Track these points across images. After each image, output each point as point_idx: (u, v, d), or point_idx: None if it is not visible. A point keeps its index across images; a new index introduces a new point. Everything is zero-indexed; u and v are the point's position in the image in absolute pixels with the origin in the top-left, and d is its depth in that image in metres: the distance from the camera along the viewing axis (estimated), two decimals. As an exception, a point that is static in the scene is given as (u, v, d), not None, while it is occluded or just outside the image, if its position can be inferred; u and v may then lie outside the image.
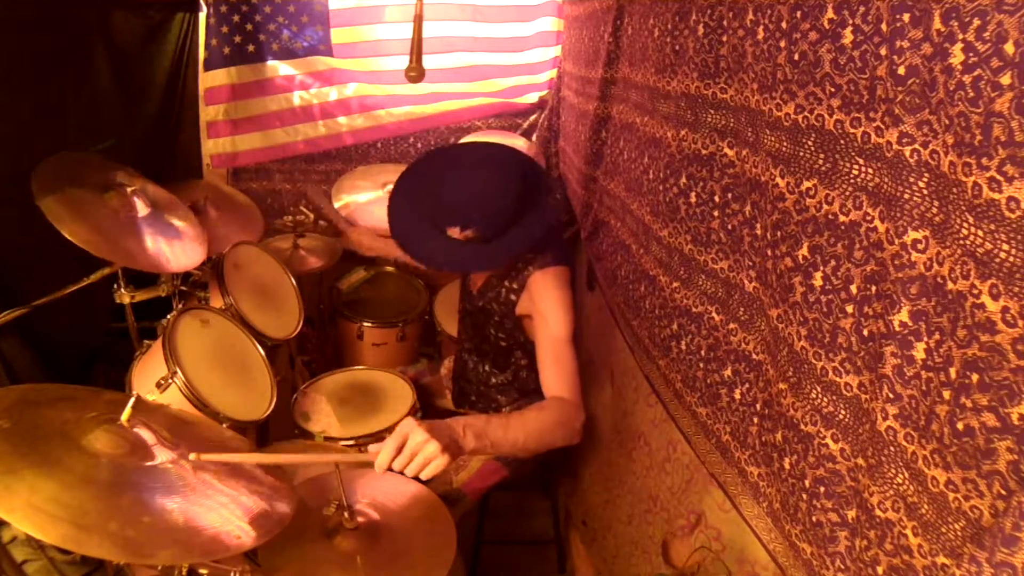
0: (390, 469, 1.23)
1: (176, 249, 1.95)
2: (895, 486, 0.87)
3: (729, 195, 1.35)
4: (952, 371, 0.78)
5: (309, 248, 2.88)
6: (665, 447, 1.69)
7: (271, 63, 3.14)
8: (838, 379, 1.01)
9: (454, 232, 1.54)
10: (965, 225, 0.74)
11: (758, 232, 1.24)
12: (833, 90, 0.98)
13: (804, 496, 1.09)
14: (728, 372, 1.37)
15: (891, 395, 0.87)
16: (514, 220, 1.57)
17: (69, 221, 1.65)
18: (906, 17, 0.83)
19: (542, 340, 1.62)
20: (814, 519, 1.07)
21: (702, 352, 1.48)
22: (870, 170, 0.92)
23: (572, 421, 1.49)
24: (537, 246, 1.67)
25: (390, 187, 2.87)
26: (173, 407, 1.49)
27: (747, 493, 1.30)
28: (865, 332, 0.94)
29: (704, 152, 1.44)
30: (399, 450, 1.21)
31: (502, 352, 1.87)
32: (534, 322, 1.71)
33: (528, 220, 1.59)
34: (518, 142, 3.37)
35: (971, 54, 0.72)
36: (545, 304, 1.63)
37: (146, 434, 1.18)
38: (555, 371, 1.56)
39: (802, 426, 1.10)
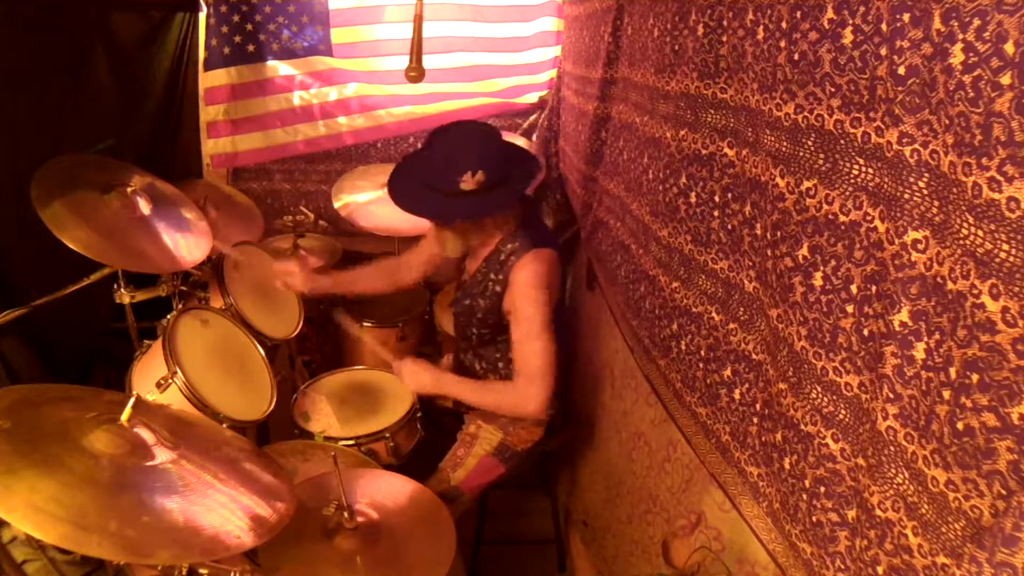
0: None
1: (190, 241, 1.97)
2: (895, 486, 0.87)
3: (729, 195, 1.35)
4: (952, 371, 0.78)
5: (309, 248, 2.88)
6: (665, 447, 1.69)
7: (271, 63, 3.13)
8: (838, 379, 1.01)
9: (466, 180, 1.61)
10: (965, 225, 0.74)
11: (758, 232, 1.24)
12: (833, 90, 0.98)
13: (804, 496, 1.09)
14: (728, 372, 1.37)
15: (891, 395, 0.87)
16: (506, 173, 1.69)
17: (72, 227, 1.65)
18: (906, 17, 0.83)
19: (515, 329, 1.75)
20: (814, 519, 1.07)
21: (702, 352, 1.48)
22: (870, 170, 0.92)
23: (520, 405, 1.75)
24: (516, 235, 1.76)
25: (390, 187, 2.91)
26: (173, 407, 1.48)
27: (747, 493, 1.30)
28: (865, 332, 0.94)
29: (704, 152, 1.44)
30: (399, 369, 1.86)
31: (484, 347, 1.89)
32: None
33: (514, 176, 1.72)
34: (518, 142, 3.36)
35: (971, 54, 0.72)
36: (519, 299, 1.72)
37: (146, 434, 1.18)
38: (520, 357, 1.75)
39: (802, 426, 1.10)
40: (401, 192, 1.76)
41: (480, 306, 1.82)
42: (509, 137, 3.39)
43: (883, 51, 0.87)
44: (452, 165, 1.63)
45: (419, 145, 3.41)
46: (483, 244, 1.82)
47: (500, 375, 1.91)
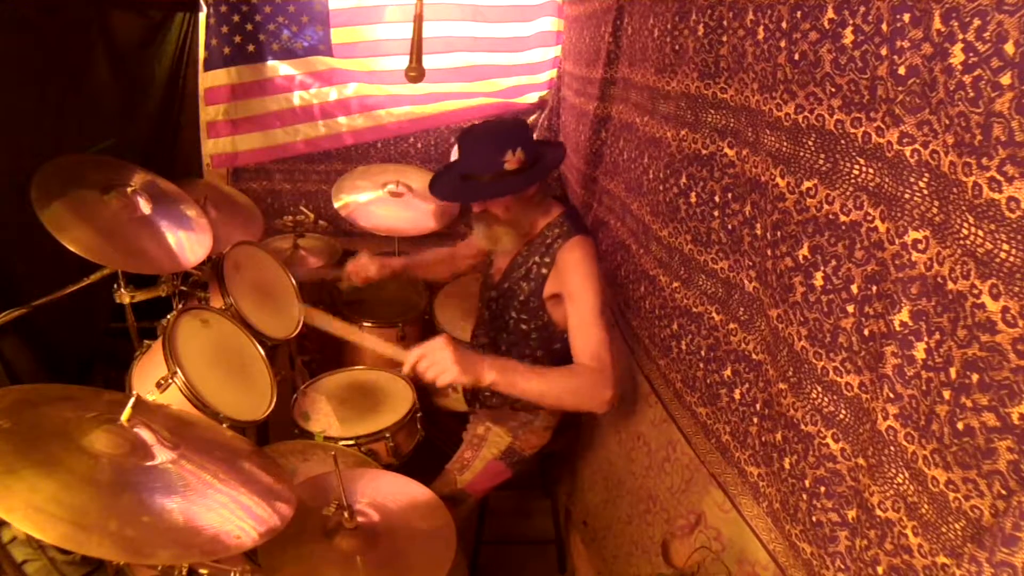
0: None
1: (192, 239, 1.97)
2: (895, 486, 0.87)
3: (729, 195, 1.35)
4: (952, 371, 0.78)
5: (309, 248, 2.88)
6: (665, 447, 1.69)
7: (271, 63, 3.13)
8: (838, 379, 1.01)
9: (509, 159, 1.66)
10: (965, 225, 0.74)
11: (758, 232, 1.24)
12: (833, 90, 0.98)
13: (804, 496, 1.09)
14: (728, 372, 1.37)
15: (891, 395, 0.87)
16: (539, 152, 1.74)
17: (71, 228, 1.65)
18: (906, 17, 0.83)
19: (572, 315, 1.68)
20: (814, 519, 1.07)
21: (702, 352, 1.48)
22: (870, 170, 0.92)
23: (595, 389, 1.56)
24: (563, 221, 1.77)
25: (390, 187, 2.91)
26: (173, 407, 1.48)
27: (747, 493, 1.30)
28: (866, 332, 0.94)
29: (704, 152, 1.44)
30: (424, 357, 1.47)
31: (521, 337, 1.87)
32: (563, 301, 1.74)
33: (545, 154, 1.76)
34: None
35: (971, 54, 0.72)
36: (573, 281, 1.69)
37: (146, 434, 1.18)
38: (583, 343, 1.63)
39: (802, 426, 1.10)
40: (449, 192, 1.82)
41: (523, 288, 1.81)
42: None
43: (883, 51, 0.87)
44: (492, 150, 1.67)
45: (419, 145, 3.44)
46: (529, 231, 1.82)
47: None
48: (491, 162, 1.66)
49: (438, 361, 1.45)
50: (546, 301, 1.79)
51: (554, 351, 1.86)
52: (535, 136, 3.42)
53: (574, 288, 1.68)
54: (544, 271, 1.77)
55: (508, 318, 1.87)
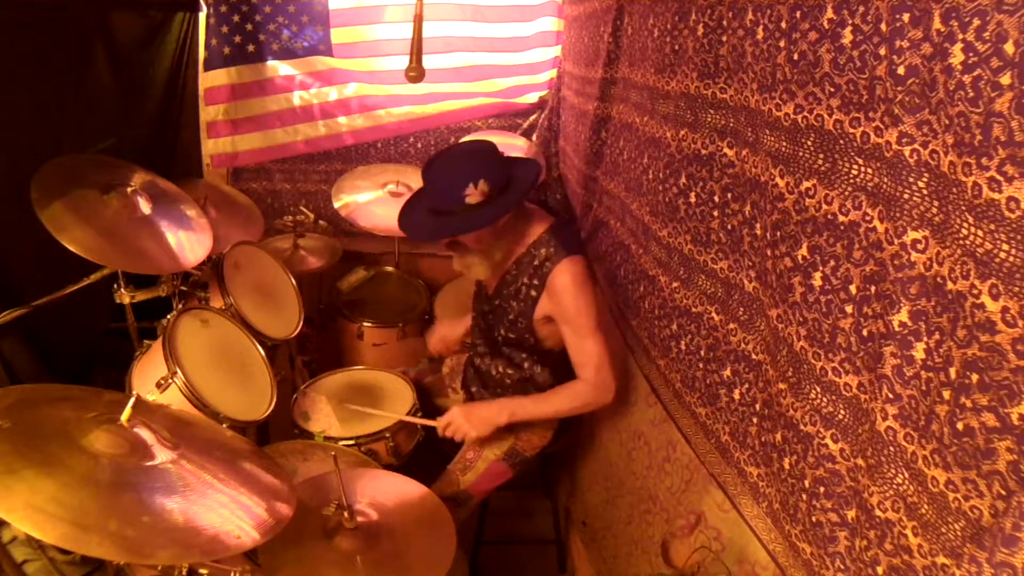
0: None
1: (192, 239, 1.97)
2: (895, 486, 0.87)
3: (729, 195, 1.35)
4: (952, 371, 0.78)
5: (309, 248, 2.88)
6: (665, 447, 1.69)
7: (271, 63, 3.13)
8: (838, 379, 1.01)
9: (471, 193, 1.62)
10: (965, 225, 0.74)
11: (758, 232, 1.24)
12: (832, 90, 0.98)
13: (804, 496, 1.09)
14: (728, 372, 1.37)
15: (891, 395, 0.87)
16: (508, 177, 1.70)
17: (71, 228, 1.65)
18: (906, 17, 0.83)
19: (569, 335, 1.77)
20: (814, 519, 1.07)
21: (702, 352, 1.49)
22: (869, 170, 0.92)
23: (599, 399, 1.80)
24: (550, 239, 1.75)
25: (390, 187, 2.91)
26: (173, 407, 1.48)
27: (747, 493, 1.30)
28: (864, 332, 0.94)
29: (704, 152, 1.44)
30: (448, 426, 1.83)
31: (513, 347, 1.88)
32: (557, 324, 1.77)
33: (517, 177, 1.73)
34: (518, 142, 3.36)
35: (971, 54, 0.72)
36: (567, 305, 1.72)
37: (146, 434, 1.18)
38: (584, 359, 1.77)
39: (802, 426, 1.10)
40: (414, 227, 1.77)
41: (513, 308, 1.81)
42: (509, 137, 3.40)
43: (882, 51, 0.87)
44: (453, 185, 1.63)
45: (419, 145, 3.44)
46: (507, 257, 1.80)
47: (524, 374, 1.90)
48: (452, 196, 1.63)
49: (458, 428, 1.80)
50: (535, 321, 1.80)
51: (551, 362, 1.87)
52: (535, 136, 3.45)
53: (569, 312, 1.72)
54: (534, 293, 1.76)
55: (498, 334, 1.88)
